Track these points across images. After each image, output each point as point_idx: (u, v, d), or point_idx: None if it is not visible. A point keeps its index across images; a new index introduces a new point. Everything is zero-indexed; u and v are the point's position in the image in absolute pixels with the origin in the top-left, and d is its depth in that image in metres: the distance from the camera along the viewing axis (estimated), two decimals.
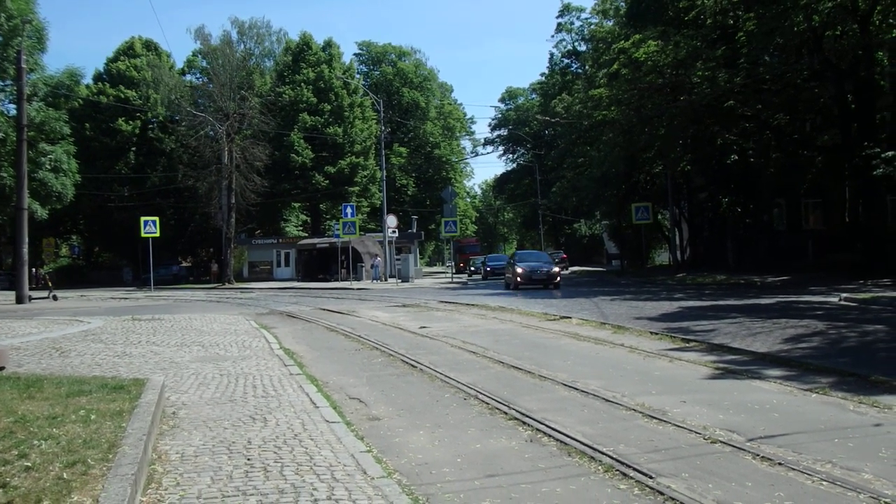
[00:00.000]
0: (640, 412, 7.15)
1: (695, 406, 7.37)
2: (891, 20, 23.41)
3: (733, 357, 10.24)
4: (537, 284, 28.41)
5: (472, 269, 55.05)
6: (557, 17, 69.77)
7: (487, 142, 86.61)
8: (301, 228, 68.27)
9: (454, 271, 55.33)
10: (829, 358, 9.72)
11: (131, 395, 7.41)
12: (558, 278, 29.11)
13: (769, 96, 27.77)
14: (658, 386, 8.49)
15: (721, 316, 15.23)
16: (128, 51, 57.15)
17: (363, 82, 72.79)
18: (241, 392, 8.44)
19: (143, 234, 38.77)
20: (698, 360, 10.04)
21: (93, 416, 6.44)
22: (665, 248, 50.93)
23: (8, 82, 35.85)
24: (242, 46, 52.02)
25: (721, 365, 9.63)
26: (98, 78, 56.66)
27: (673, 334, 12.43)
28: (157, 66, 53.83)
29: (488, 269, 44.87)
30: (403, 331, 15.30)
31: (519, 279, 28.33)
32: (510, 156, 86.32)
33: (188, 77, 60.63)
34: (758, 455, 5.68)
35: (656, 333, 12.73)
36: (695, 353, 10.66)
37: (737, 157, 33.29)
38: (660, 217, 47.17)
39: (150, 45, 58.89)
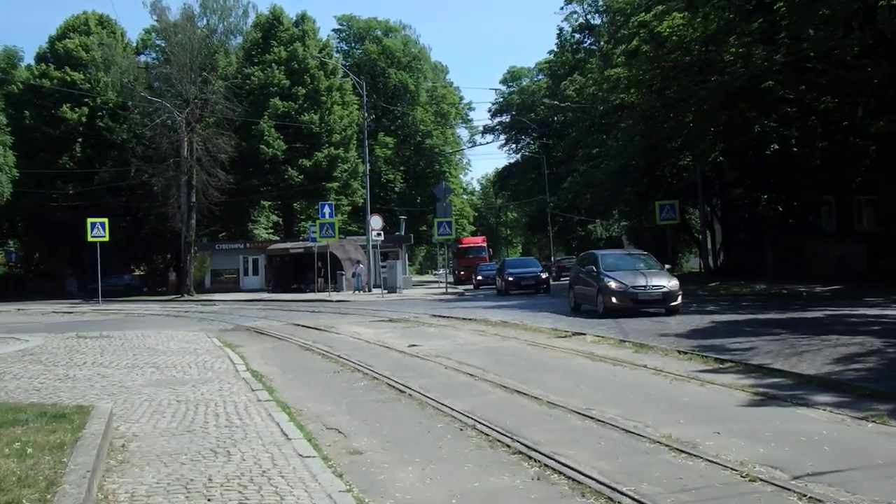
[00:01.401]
0: (666, 445, 7.12)
1: (730, 438, 7.34)
2: None
3: (775, 380, 10.23)
4: (641, 307, 19.82)
5: (480, 277, 47.66)
6: None
7: (487, 130, 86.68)
8: (272, 231, 68.21)
9: (452, 281, 54.32)
10: (887, 381, 9.69)
11: (74, 425, 7.41)
12: (679, 299, 19.94)
13: (814, 76, 27.76)
14: (687, 414, 8.47)
15: (760, 332, 15.19)
16: (79, 27, 57.09)
17: (343, 62, 72.80)
18: (202, 421, 8.44)
19: (90, 239, 38.76)
20: (734, 384, 10.03)
21: (29, 450, 6.42)
22: (694, 252, 50.98)
23: None
24: (205, 21, 52.01)
25: (761, 389, 9.62)
26: (41, 58, 56.58)
27: (704, 353, 12.43)
28: (108, 44, 53.77)
29: (510, 279, 35.59)
30: (390, 349, 15.32)
31: (614, 299, 19.70)
32: (513, 146, 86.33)
33: (143, 57, 60.60)
34: (804, 495, 5.64)
35: (685, 352, 12.74)
36: (730, 376, 10.66)
37: (777, 147, 33.27)
38: (688, 217, 47.18)
39: (104, 22, 58.88)
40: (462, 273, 56.64)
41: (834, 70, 27.19)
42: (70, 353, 14.96)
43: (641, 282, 19.89)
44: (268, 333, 19.78)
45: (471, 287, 48.32)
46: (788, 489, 5.78)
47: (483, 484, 6.22)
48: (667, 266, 21.67)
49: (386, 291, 41.50)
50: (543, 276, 36.65)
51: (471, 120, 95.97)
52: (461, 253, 60.02)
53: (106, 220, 39.85)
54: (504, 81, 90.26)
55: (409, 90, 76.01)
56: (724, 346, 13.30)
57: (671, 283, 19.94)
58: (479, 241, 65.06)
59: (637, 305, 19.70)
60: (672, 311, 19.60)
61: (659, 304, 19.78)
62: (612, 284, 19.92)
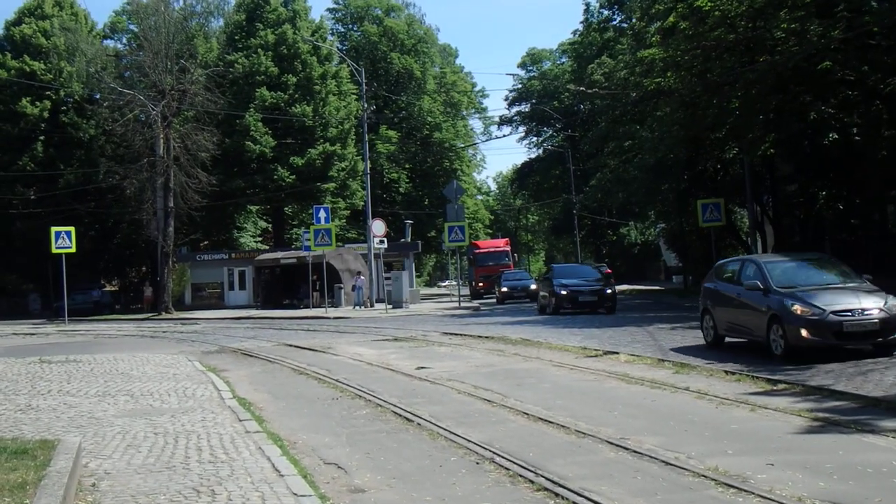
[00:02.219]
0: (713, 479, 7.12)
1: (786, 470, 7.33)
2: None
3: (837, 403, 10.23)
4: (847, 343, 14.64)
5: (505, 289, 44.61)
6: None
7: (504, 121, 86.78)
8: (260, 239, 68.34)
9: (469, 294, 53.04)
10: None
11: (38, 462, 7.43)
12: None
13: (878, 55, 27.64)
14: (736, 443, 8.47)
15: None
16: (35, 10, 57.46)
17: (339, 46, 72.93)
18: (183, 456, 8.48)
19: (54, 250, 38.90)
20: (789, 408, 10.02)
21: None
22: None
23: None
24: (181, 2, 52.30)
25: (820, 414, 9.61)
26: None
27: (755, 374, 12.45)
28: (71, 29, 54.05)
29: (563, 293, 29.65)
30: (395, 373, 15.37)
31: (805, 332, 14.20)
32: (534, 139, 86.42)
33: (111, 43, 60.95)
34: None
35: (732, 373, 12.76)
36: (785, 399, 10.66)
37: (836, 137, 33.17)
38: (735, 217, 47.06)
39: (62, 3, 59.21)
40: (481, 284, 53.34)
41: None
42: (33, 380, 15.01)
43: (846, 303, 14.53)
44: (257, 356, 19.81)
45: (493, 301, 46.07)
46: None
47: None
48: (866, 276, 16.78)
49: (390, 306, 41.51)
50: (608, 290, 30.92)
51: (485, 109, 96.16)
52: (479, 259, 56.42)
53: (72, 229, 39.99)
54: (522, 65, 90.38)
55: (415, 77, 75.98)
56: (778, 365, 13.24)
57: (889, 304, 14.42)
58: (501, 244, 61.49)
59: (841, 341, 14.46)
60: (891, 349, 14.39)
61: (874, 338, 14.40)
62: (800, 309, 14.47)
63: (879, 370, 12.16)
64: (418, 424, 10.16)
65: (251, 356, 19.86)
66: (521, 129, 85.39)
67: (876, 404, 9.92)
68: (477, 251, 57.68)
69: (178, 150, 48.07)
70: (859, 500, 6.39)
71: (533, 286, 41.75)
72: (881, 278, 31.28)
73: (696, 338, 18.08)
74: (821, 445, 8.24)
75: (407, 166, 74.96)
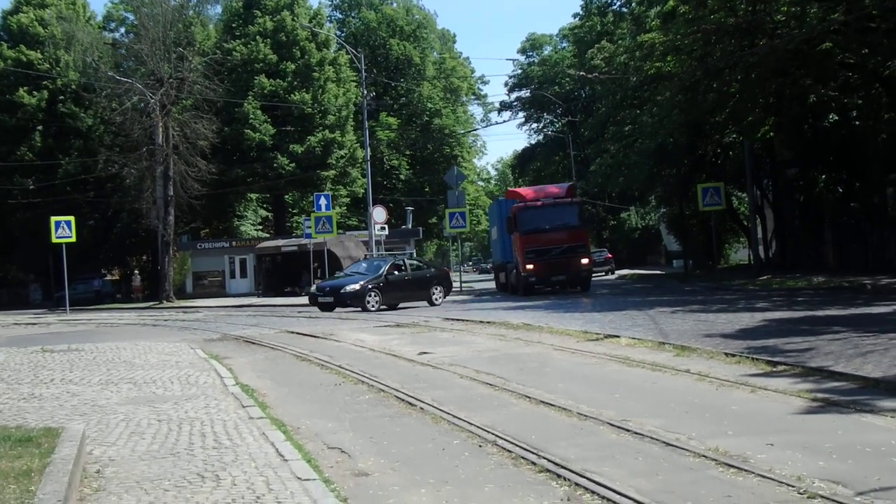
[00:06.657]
0: (713, 459, 7.16)
1: (785, 450, 7.36)
2: None
3: (836, 384, 10.23)
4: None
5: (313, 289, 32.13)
6: None
7: (504, 107, 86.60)
8: (261, 227, 68.40)
9: (509, 286, 36.76)
10: None
11: (42, 450, 7.45)
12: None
13: (878, 37, 27.61)
14: (736, 424, 8.50)
15: (819, 330, 15.20)
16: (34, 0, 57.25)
17: (337, 32, 72.84)
18: (186, 442, 8.50)
19: (54, 240, 38.86)
20: (789, 390, 10.03)
21: None
22: (743, 242, 50.84)
23: None
24: None
25: (820, 395, 9.62)
26: None
27: (755, 356, 12.42)
28: (68, 18, 53.87)
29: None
30: (398, 358, 15.35)
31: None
32: (534, 125, 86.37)
33: (109, 34, 60.70)
34: None
35: (733, 355, 12.73)
36: (784, 380, 10.66)
37: (836, 119, 33.16)
38: (735, 202, 47.10)
39: None
40: (530, 268, 33.04)
41: None
42: (35, 370, 15.01)
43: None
44: (259, 343, 19.81)
45: (552, 295, 32.61)
46: None
47: None
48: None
49: None
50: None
51: (485, 96, 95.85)
52: (523, 221, 33.65)
53: (72, 219, 39.93)
54: (522, 51, 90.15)
55: (414, 63, 75.68)
56: (778, 347, 13.29)
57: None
58: (562, 193, 35.95)
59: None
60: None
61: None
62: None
63: (879, 351, 12.18)
64: (421, 409, 10.17)
65: (253, 343, 19.86)
66: (522, 114, 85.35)
67: (875, 385, 9.91)
68: (520, 206, 34.73)
69: (177, 139, 48.07)
70: (858, 479, 6.42)
71: (353, 286, 29.20)
72: (880, 263, 31.37)
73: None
74: (820, 426, 8.26)
75: (407, 153, 74.78)
